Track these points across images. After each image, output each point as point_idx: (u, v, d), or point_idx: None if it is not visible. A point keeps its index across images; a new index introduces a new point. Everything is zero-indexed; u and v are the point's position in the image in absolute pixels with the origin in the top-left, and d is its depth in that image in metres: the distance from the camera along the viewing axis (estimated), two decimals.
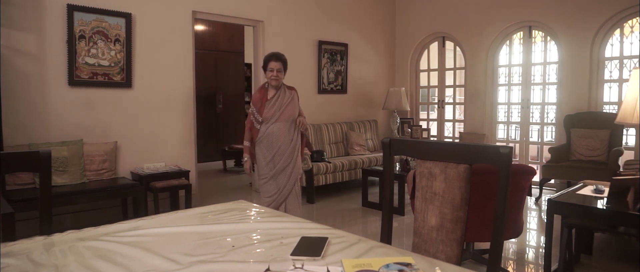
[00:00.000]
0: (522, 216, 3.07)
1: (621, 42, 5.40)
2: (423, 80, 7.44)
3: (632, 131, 5.44)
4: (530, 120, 6.31)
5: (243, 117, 8.91)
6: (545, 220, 2.97)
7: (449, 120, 7.25)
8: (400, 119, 7.11)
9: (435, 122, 7.37)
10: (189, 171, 4.79)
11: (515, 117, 6.52)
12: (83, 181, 4.13)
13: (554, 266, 2.95)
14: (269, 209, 2.10)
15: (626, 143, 5.40)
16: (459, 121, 7.14)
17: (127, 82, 4.55)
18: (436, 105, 7.32)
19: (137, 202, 4.17)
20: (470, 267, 2.03)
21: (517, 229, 3.02)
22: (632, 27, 5.34)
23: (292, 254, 1.32)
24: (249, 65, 8.79)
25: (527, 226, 4.36)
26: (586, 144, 5.12)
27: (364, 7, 6.98)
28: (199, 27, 8.00)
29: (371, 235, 3.67)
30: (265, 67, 3.54)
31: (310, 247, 1.38)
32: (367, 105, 7.16)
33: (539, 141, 6.34)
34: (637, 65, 5.25)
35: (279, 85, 3.55)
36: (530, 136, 6.32)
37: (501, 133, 6.62)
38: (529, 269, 3.37)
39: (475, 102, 6.59)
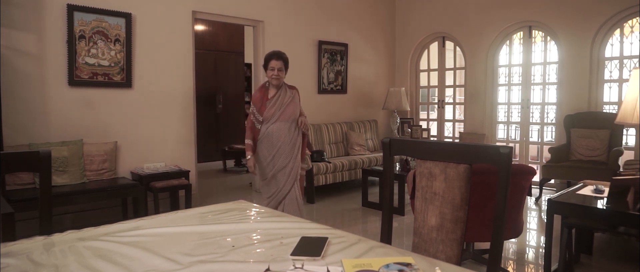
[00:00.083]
0: (522, 216, 3.07)
1: (621, 42, 5.40)
2: (423, 80, 7.44)
3: (632, 131, 5.44)
4: (530, 120, 6.31)
5: (243, 117, 8.91)
6: (545, 220, 2.97)
7: (449, 120, 7.25)
8: (400, 119, 7.11)
9: (435, 122, 7.37)
10: (189, 171, 4.79)
11: (515, 117, 6.52)
12: (83, 181, 4.13)
13: (554, 266, 2.95)
14: (269, 209, 2.10)
15: (626, 143, 5.40)
16: (459, 121, 7.14)
17: (127, 82, 4.55)
18: (436, 105, 7.32)
19: (137, 202, 4.17)
20: (470, 267, 2.03)
21: (517, 229, 3.02)
22: (632, 27, 5.34)
23: (292, 254, 1.32)
24: (249, 65, 8.79)
25: (527, 226, 4.36)
26: (586, 144, 5.12)
27: (364, 7, 6.98)
28: (199, 27, 8.00)
29: (371, 235, 3.67)
30: (265, 66, 3.49)
31: (310, 247, 1.38)
32: (367, 105, 7.16)
33: (539, 141, 6.34)
34: (637, 65, 5.25)
35: (279, 84, 3.50)
36: (530, 135, 6.32)
37: (501, 133, 6.62)
38: (529, 269, 3.37)
39: (475, 102, 6.59)
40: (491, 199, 2.71)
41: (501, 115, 6.57)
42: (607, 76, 5.54)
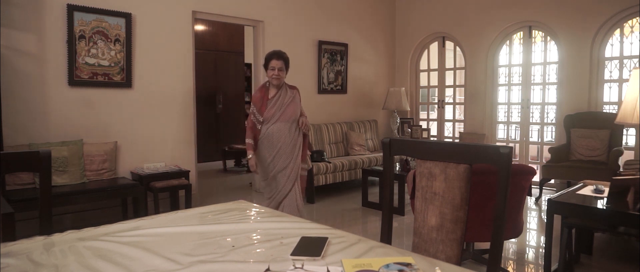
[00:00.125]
0: (522, 216, 3.07)
1: (621, 42, 5.40)
2: (423, 80, 7.44)
3: (632, 131, 5.44)
4: (530, 120, 6.31)
5: (243, 117, 8.91)
6: (545, 220, 2.97)
7: (449, 120, 7.25)
8: (400, 119, 7.11)
9: (435, 122, 7.37)
10: (189, 171, 4.79)
11: (515, 117, 6.52)
12: (83, 181, 4.13)
13: (554, 266, 2.95)
14: (269, 209, 2.10)
15: (626, 143, 5.40)
16: (459, 121, 7.14)
17: (127, 82, 4.55)
18: (436, 105, 7.32)
19: (137, 202, 4.17)
20: (470, 267, 2.03)
21: (517, 229, 3.02)
22: (632, 27, 5.34)
23: (292, 254, 1.32)
24: (249, 65, 8.79)
25: (527, 226, 4.36)
26: (586, 144, 5.12)
27: (364, 7, 6.98)
28: (199, 27, 8.00)
29: (371, 235, 3.67)
30: (266, 66, 3.46)
31: (310, 247, 1.38)
32: (367, 105, 7.16)
33: (539, 141, 6.34)
34: (637, 65, 5.25)
35: (280, 84, 3.47)
36: (530, 135, 6.32)
37: (501, 133, 6.62)
38: (529, 269, 3.37)
39: (475, 102, 6.59)
40: (491, 199, 2.71)
41: (501, 115, 6.57)
42: (607, 76, 5.54)
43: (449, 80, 7.19)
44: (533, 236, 4.13)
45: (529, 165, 3.87)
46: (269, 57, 3.44)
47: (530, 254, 3.66)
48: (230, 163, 7.86)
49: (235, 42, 8.64)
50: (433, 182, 1.66)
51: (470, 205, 1.61)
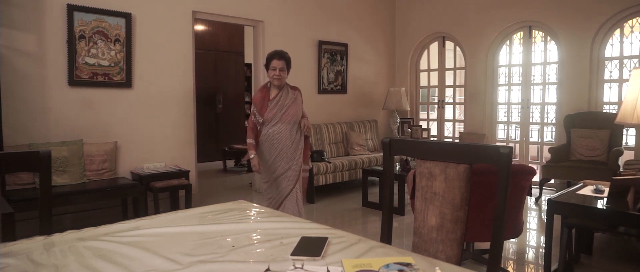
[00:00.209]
0: (522, 216, 3.07)
1: (621, 42, 5.40)
2: (423, 80, 7.44)
3: (632, 131, 5.44)
4: (530, 120, 6.31)
5: (243, 117, 8.91)
6: (545, 220, 2.97)
7: (449, 120, 7.25)
8: (400, 119, 7.11)
9: (435, 122, 7.37)
10: (189, 171, 4.79)
11: (515, 117, 6.52)
12: (83, 181, 4.13)
13: (554, 266, 2.95)
14: (269, 209, 2.10)
15: (626, 143, 5.40)
16: (459, 121, 7.14)
17: (127, 82, 4.55)
18: (436, 105, 7.32)
19: (137, 202, 4.17)
20: (470, 267, 2.03)
21: (517, 229, 3.02)
22: (632, 27, 5.34)
23: (292, 254, 1.32)
24: (249, 65, 8.79)
25: (527, 226, 4.36)
26: (586, 144, 5.12)
27: (364, 7, 6.98)
28: (199, 27, 8.00)
29: (371, 235, 3.67)
30: (267, 66, 3.38)
31: (310, 247, 1.38)
32: (367, 105, 7.16)
33: (539, 141, 6.34)
34: (637, 65, 5.25)
35: (281, 85, 3.40)
36: (530, 135, 6.32)
37: (501, 133, 6.62)
38: (529, 269, 3.37)
39: (475, 102, 6.59)
40: (491, 199, 2.71)
41: (501, 115, 6.57)
42: (607, 76, 5.54)
43: (449, 80, 7.19)
44: (533, 236, 4.13)
45: (529, 165, 3.87)
46: (270, 57, 3.37)
47: (530, 254, 3.66)
48: (230, 163, 7.86)
49: (235, 42, 8.64)
50: (433, 182, 1.66)
51: (470, 205, 1.61)
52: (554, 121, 6.09)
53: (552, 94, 6.13)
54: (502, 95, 6.52)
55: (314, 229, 1.64)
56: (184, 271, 1.25)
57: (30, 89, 4.04)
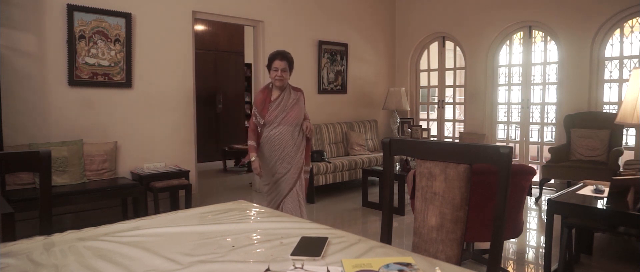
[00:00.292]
0: (522, 216, 3.07)
1: (621, 42, 5.40)
2: (423, 80, 7.44)
3: (632, 131, 5.44)
4: (530, 120, 6.31)
5: (243, 117, 8.91)
6: (545, 220, 2.97)
7: (449, 120, 7.25)
8: (400, 119, 7.11)
9: (435, 122, 7.37)
10: (189, 171, 4.79)
11: (515, 117, 6.52)
12: (83, 181, 4.13)
13: (554, 266, 2.95)
14: (269, 209, 2.10)
15: (626, 143, 5.40)
16: (459, 121, 7.14)
17: (127, 82, 4.55)
18: (436, 105, 7.32)
19: (137, 202, 4.17)
20: (470, 267, 2.03)
21: (517, 229, 3.02)
22: (632, 27, 5.34)
23: (292, 254, 1.32)
24: (249, 65, 8.79)
25: (527, 226, 4.36)
26: (586, 144, 5.12)
27: (364, 7, 6.98)
28: (199, 27, 8.00)
29: (371, 235, 3.67)
30: (269, 66, 3.29)
31: (310, 247, 1.38)
32: (367, 105, 7.16)
33: (539, 141, 6.34)
34: (637, 65, 5.25)
35: (283, 86, 3.31)
36: (530, 135, 6.32)
37: (501, 133, 6.62)
38: (529, 269, 3.37)
39: (475, 102, 6.59)
40: (491, 199, 2.71)
41: (501, 115, 6.57)
42: (607, 76, 5.54)
43: (449, 80, 7.19)
44: (533, 236, 4.13)
45: (529, 165, 3.87)
46: (273, 57, 3.28)
47: (530, 254, 3.66)
48: (230, 163, 7.86)
49: (235, 42, 8.64)
50: (433, 182, 1.66)
51: (470, 205, 1.61)
52: (554, 121, 6.09)
53: (552, 94, 6.13)
54: (502, 95, 6.52)
55: (314, 229, 1.64)
56: (184, 271, 1.25)
57: (30, 89, 4.04)
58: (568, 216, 2.83)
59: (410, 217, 4.53)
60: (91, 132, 4.35)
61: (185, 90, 5.02)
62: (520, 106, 6.31)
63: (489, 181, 2.61)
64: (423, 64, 7.40)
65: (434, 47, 7.23)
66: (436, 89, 7.31)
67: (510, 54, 6.39)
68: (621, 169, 4.66)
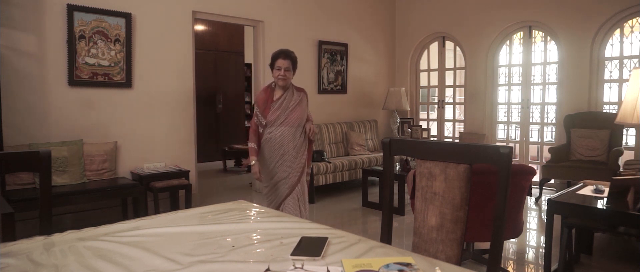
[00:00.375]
0: (522, 216, 3.07)
1: (621, 42, 5.40)
2: (423, 80, 7.44)
3: (632, 131, 5.44)
4: (530, 120, 6.31)
5: (243, 117, 8.91)
6: (545, 220, 2.97)
7: (449, 120, 7.25)
8: (400, 119, 7.11)
9: (435, 122, 7.37)
10: (189, 171, 4.79)
11: (515, 117, 6.52)
12: (83, 181, 4.13)
13: (554, 266, 2.95)
14: (269, 209, 2.10)
15: (626, 143, 5.40)
16: (459, 121, 7.14)
17: (127, 82, 4.55)
18: (436, 105, 7.32)
19: (137, 202, 4.17)
20: (470, 267, 2.03)
21: (517, 229, 3.02)
22: (632, 27, 5.34)
23: (292, 254, 1.32)
24: (249, 65, 8.79)
25: (527, 226, 4.36)
26: (586, 144, 5.12)
27: (364, 7, 6.98)
28: (199, 27, 8.00)
29: (371, 235, 3.67)
30: (272, 65, 3.18)
31: (310, 247, 1.38)
32: (367, 105, 7.16)
33: (539, 141, 6.34)
34: (637, 65, 5.25)
35: (286, 85, 3.21)
36: (530, 135, 6.32)
37: (501, 133, 6.62)
38: (529, 269, 3.37)
39: (475, 102, 6.60)
40: (491, 199, 2.71)
41: (501, 115, 6.57)
42: (607, 76, 5.54)
43: (449, 80, 7.19)
44: (533, 236, 4.13)
45: (529, 165, 3.87)
46: (276, 56, 3.18)
47: (530, 254, 3.66)
48: (230, 163, 7.86)
49: (235, 42, 8.64)
50: (433, 182, 1.66)
51: (470, 205, 1.61)
52: (554, 121, 6.09)
53: (552, 94, 6.13)
54: (502, 95, 6.52)
55: (314, 229, 1.64)
56: (184, 271, 1.25)
57: (30, 89, 4.04)
58: (568, 216, 2.83)
59: (410, 217, 4.53)
60: (91, 132, 4.35)
61: (185, 90, 5.02)
62: (520, 106, 6.31)
63: (489, 181, 2.61)
64: (423, 64, 7.40)
65: (434, 47, 7.23)
66: (436, 89, 7.31)
67: (510, 54, 6.39)
68: (621, 169, 4.66)
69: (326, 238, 1.46)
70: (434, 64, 7.22)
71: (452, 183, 1.60)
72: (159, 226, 1.70)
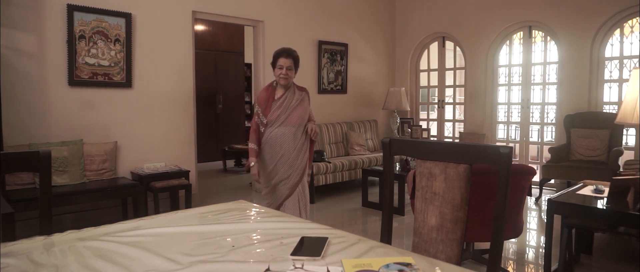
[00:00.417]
0: (522, 216, 3.07)
1: (621, 42, 5.40)
2: (423, 80, 7.44)
3: (632, 131, 5.44)
4: (530, 120, 6.31)
5: (243, 117, 8.91)
6: (545, 220, 2.97)
7: (449, 120, 7.25)
8: (400, 119, 7.11)
9: (435, 122, 7.37)
10: (189, 171, 4.79)
11: (515, 117, 6.52)
12: (83, 181, 4.13)
13: (554, 266, 2.95)
14: (269, 209, 2.10)
15: (626, 143, 5.40)
16: (459, 121, 7.14)
17: (127, 82, 4.55)
18: (436, 105, 7.32)
19: (137, 202, 4.17)
20: (470, 267, 2.03)
21: (517, 229, 3.02)
22: (632, 27, 5.34)
23: (292, 254, 1.32)
24: (249, 65, 8.79)
25: (527, 226, 4.36)
26: (586, 144, 5.12)
27: (364, 7, 6.98)
28: (199, 27, 8.00)
29: (371, 235, 3.67)
30: (274, 64, 3.13)
31: (310, 247, 1.38)
32: (367, 105, 7.16)
33: (539, 141, 6.34)
34: (637, 65, 5.25)
35: (288, 85, 3.15)
36: (530, 136, 6.32)
37: (501, 133, 6.62)
38: (529, 269, 3.37)
39: (475, 102, 6.59)
40: (491, 199, 2.71)
41: (501, 115, 6.57)
42: (607, 76, 5.54)
43: (449, 80, 7.19)
44: (533, 236, 4.13)
45: (529, 165, 3.87)
46: (278, 55, 3.12)
47: (530, 254, 3.66)
48: (230, 163, 7.86)
49: (235, 42, 8.64)
50: (433, 182, 1.66)
51: (470, 205, 1.61)
52: (554, 121, 6.09)
53: (552, 94, 6.13)
54: (502, 95, 6.52)
55: (314, 229, 1.64)
56: (184, 271, 1.25)
57: (30, 89, 4.04)
58: (568, 216, 2.83)
59: (410, 217, 4.53)
60: (91, 132, 4.35)
61: (185, 90, 5.02)
62: (520, 106, 6.31)
63: (489, 181, 2.61)
64: (423, 64, 7.40)
65: (434, 47, 7.23)
66: (436, 89, 7.31)
67: (510, 54, 6.39)
68: (621, 169, 4.66)
69: (326, 238, 1.46)
70: (434, 64, 7.22)
71: (452, 183, 1.60)
72: (159, 226, 1.70)
